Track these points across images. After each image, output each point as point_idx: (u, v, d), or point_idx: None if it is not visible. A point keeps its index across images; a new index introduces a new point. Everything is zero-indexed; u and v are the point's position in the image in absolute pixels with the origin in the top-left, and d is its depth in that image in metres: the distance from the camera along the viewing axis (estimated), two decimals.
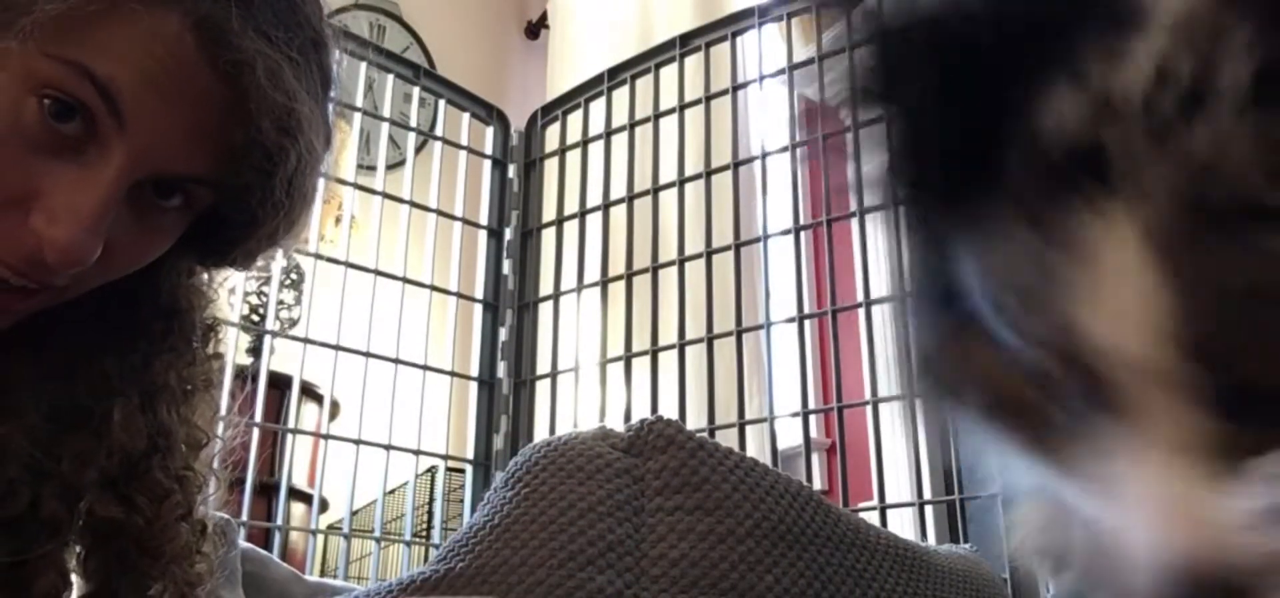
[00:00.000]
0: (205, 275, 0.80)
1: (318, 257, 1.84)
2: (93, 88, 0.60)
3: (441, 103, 2.06)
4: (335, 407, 2.03)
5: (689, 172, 1.83)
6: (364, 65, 1.87)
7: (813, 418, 1.70)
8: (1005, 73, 0.42)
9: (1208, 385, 0.41)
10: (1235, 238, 0.38)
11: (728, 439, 1.50)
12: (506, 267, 2.01)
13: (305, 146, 0.68)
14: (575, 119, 2.03)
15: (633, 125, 1.92)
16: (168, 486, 0.76)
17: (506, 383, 1.93)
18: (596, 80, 2.01)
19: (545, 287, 1.97)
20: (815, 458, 2.16)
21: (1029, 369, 0.46)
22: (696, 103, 1.86)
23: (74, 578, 0.76)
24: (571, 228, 1.96)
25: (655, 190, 1.86)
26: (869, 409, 1.58)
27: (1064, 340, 0.43)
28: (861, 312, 1.60)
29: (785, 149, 1.75)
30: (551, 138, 2.06)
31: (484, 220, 2.04)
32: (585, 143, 1.99)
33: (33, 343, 0.70)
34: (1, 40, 0.59)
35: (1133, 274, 0.40)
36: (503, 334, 1.97)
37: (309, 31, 0.69)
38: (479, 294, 1.99)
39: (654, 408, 1.76)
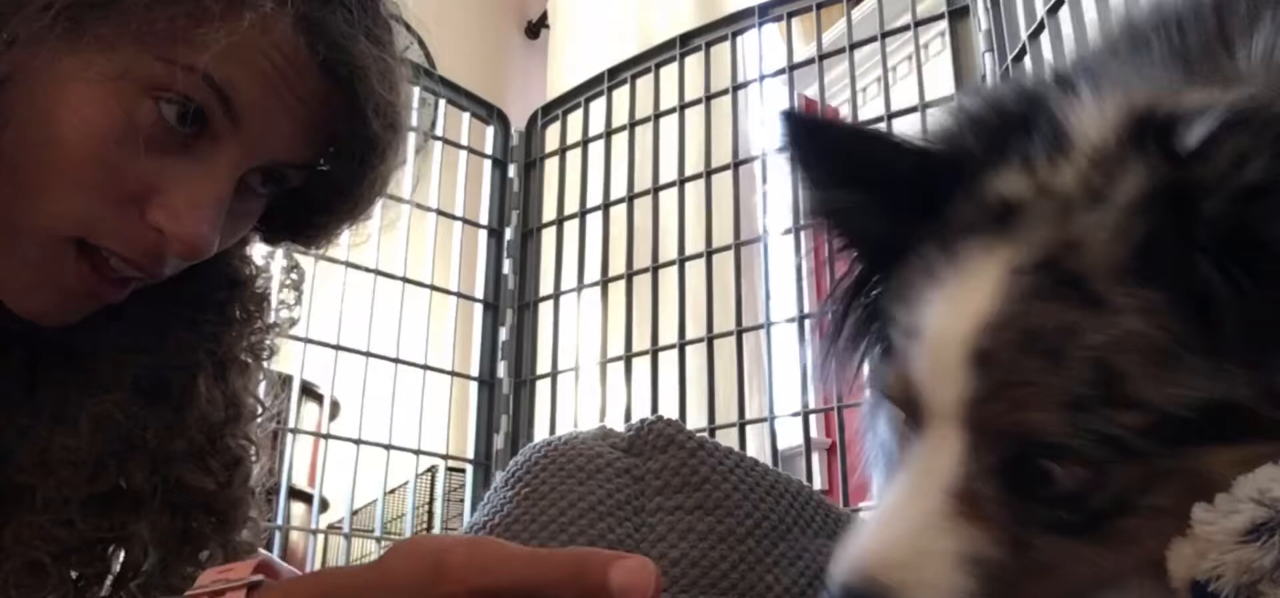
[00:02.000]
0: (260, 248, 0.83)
1: (318, 256, 1.84)
2: (209, 90, 0.62)
3: (441, 103, 2.06)
4: (335, 406, 2.03)
5: (689, 171, 1.83)
6: None
7: (813, 418, 1.70)
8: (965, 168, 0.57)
9: (985, 434, 0.51)
10: (1062, 299, 0.49)
11: (728, 439, 1.50)
12: (507, 266, 2.01)
13: (403, 139, 0.72)
14: (575, 119, 2.03)
15: (633, 125, 1.92)
16: (238, 453, 0.78)
17: (507, 383, 1.93)
18: (596, 80, 2.01)
19: (545, 286, 1.97)
20: (816, 458, 2.16)
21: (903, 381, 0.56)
22: (697, 102, 1.85)
23: None
24: (572, 227, 1.96)
25: (655, 190, 1.86)
26: None
27: (907, 348, 0.55)
28: None
29: (785, 148, 1.74)
30: (552, 137, 2.06)
31: (484, 220, 2.04)
32: (585, 142, 1.99)
33: (118, 318, 0.71)
34: (117, 44, 0.60)
35: (979, 293, 0.52)
36: (503, 334, 1.97)
37: (402, 36, 0.73)
38: (479, 294, 1.99)
39: (654, 408, 1.76)
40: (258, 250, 0.85)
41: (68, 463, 0.69)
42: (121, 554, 0.74)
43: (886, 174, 0.62)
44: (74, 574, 0.70)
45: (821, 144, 0.66)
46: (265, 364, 0.84)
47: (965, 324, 0.51)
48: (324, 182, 0.72)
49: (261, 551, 0.83)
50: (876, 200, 0.62)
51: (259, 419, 0.82)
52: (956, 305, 0.53)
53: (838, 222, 0.68)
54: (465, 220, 2.01)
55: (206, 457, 0.75)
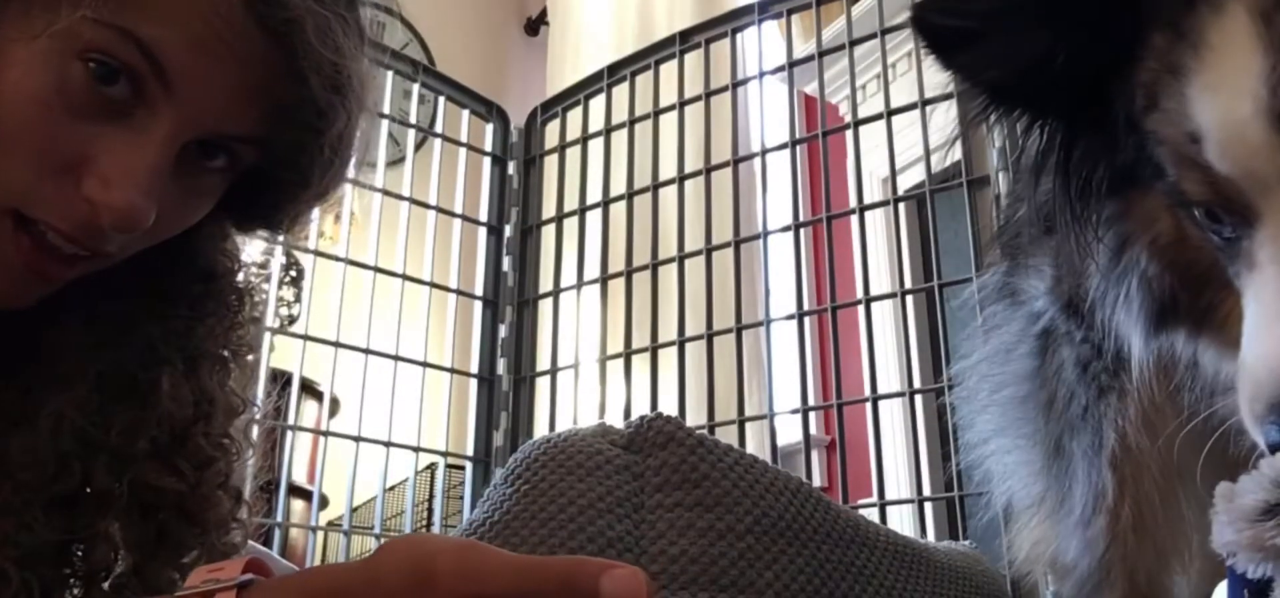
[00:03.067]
0: (238, 240, 0.80)
1: (318, 253, 1.84)
2: (138, 50, 0.60)
3: (441, 99, 2.06)
4: (335, 403, 2.03)
5: (689, 168, 1.83)
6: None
7: (812, 414, 1.70)
8: None
9: None
10: None
11: (727, 436, 1.50)
12: (506, 263, 2.01)
13: (354, 103, 0.68)
14: (575, 116, 2.03)
15: (632, 122, 1.92)
16: (210, 453, 0.76)
17: (506, 380, 1.93)
18: (596, 77, 2.01)
19: (545, 283, 1.97)
20: (815, 454, 2.16)
21: (1172, 196, 0.55)
22: (696, 99, 1.85)
23: None
24: (571, 224, 1.95)
25: (655, 187, 1.86)
26: (868, 406, 1.58)
27: (1186, 130, 0.53)
28: (861, 308, 1.60)
29: (785, 145, 1.75)
30: (551, 134, 2.06)
31: (484, 217, 2.04)
32: (585, 139, 1.99)
33: (78, 313, 0.70)
34: (48, 7, 0.58)
35: (1238, 49, 0.50)
36: (502, 331, 1.97)
37: None
38: (479, 291, 1.99)
39: (654, 404, 1.76)
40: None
41: (28, 465, 0.67)
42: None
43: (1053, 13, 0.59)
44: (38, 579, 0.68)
45: (968, 20, 0.63)
46: (249, 359, 0.82)
47: (1251, 105, 0.50)
48: (274, 155, 0.69)
49: (256, 546, 0.81)
50: (1056, 45, 0.59)
51: (243, 417, 0.80)
52: (1228, 92, 0.51)
53: (1010, 93, 0.64)
54: (465, 217, 2.01)
55: (173, 456, 0.73)
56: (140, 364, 0.72)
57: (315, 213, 1.97)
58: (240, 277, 0.80)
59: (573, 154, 2.00)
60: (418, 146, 2.10)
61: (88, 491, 0.70)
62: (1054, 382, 0.84)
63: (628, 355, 1.80)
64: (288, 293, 2.70)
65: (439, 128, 2.05)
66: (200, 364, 0.75)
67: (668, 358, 1.77)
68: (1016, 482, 0.96)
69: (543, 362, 1.92)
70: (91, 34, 0.59)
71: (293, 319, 2.61)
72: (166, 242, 0.69)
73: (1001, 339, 0.93)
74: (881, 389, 1.57)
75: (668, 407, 1.69)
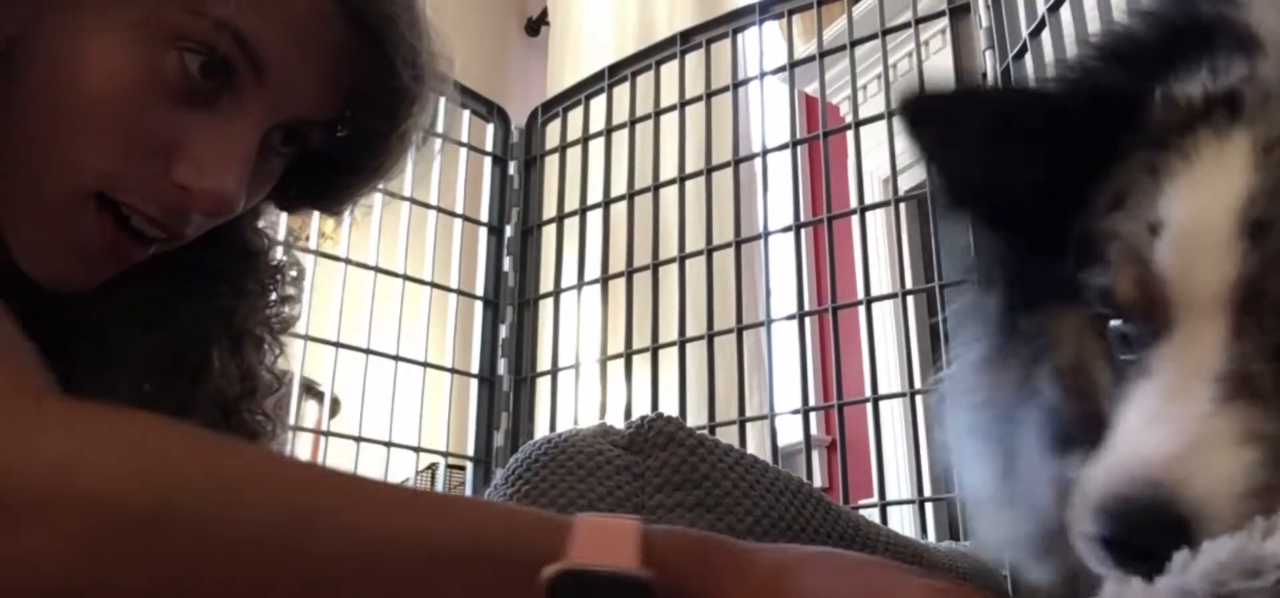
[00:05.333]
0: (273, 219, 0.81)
1: (318, 253, 1.84)
2: (233, 40, 0.60)
3: (442, 100, 2.05)
4: (336, 404, 2.03)
5: (690, 168, 1.83)
6: None
7: (813, 415, 1.70)
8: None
9: (1261, 316, 0.49)
10: None
11: (728, 436, 1.50)
12: (507, 264, 2.01)
13: (428, 88, 0.70)
14: (576, 116, 2.03)
15: (633, 122, 1.92)
16: (254, 428, 0.77)
17: (507, 380, 1.93)
18: (597, 77, 2.01)
19: (546, 283, 1.97)
20: (815, 455, 2.16)
21: (1100, 312, 0.55)
22: (697, 99, 1.85)
23: None
24: (572, 225, 1.95)
25: (656, 187, 1.86)
26: (869, 406, 1.58)
27: (1148, 220, 0.53)
28: (862, 309, 1.60)
29: (786, 146, 1.75)
30: (552, 135, 2.06)
31: (484, 217, 2.04)
32: (586, 139, 1.98)
33: (129, 292, 0.70)
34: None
35: (1232, 173, 0.50)
36: (503, 331, 1.97)
37: None
38: (479, 291, 1.99)
39: (654, 405, 1.76)
40: None
41: None
42: None
43: (1034, 127, 0.60)
44: None
45: (950, 119, 0.64)
46: (283, 338, 0.82)
47: (1227, 203, 0.50)
48: (349, 138, 0.69)
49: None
50: (1027, 157, 0.60)
51: (274, 396, 0.81)
52: (1209, 189, 0.51)
53: (982, 198, 0.65)
54: (465, 218, 2.01)
55: (223, 432, 0.74)
56: (190, 341, 0.73)
57: (314, 216, 1.97)
58: (273, 255, 0.81)
59: (573, 154, 2.00)
60: (418, 146, 2.10)
61: None
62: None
63: (628, 356, 1.80)
64: (289, 292, 2.70)
65: (439, 128, 2.04)
66: (244, 341, 0.77)
67: (668, 358, 1.77)
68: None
69: (543, 362, 1.92)
70: (187, 24, 0.60)
71: (293, 319, 2.61)
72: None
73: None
74: (882, 390, 1.57)
75: (668, 407, 1.69)
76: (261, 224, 0.80)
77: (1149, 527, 0.47)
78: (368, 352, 1.79)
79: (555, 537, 0.49)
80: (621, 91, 1.96)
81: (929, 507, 1.57)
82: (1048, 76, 0.62)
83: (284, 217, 0.93)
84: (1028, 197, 0.60)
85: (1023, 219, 0.62)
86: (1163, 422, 0.50)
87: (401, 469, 1.95)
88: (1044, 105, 0.62)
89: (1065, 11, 1.45)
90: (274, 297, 0.81)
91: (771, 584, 0.49)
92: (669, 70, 1.91)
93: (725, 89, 1.83)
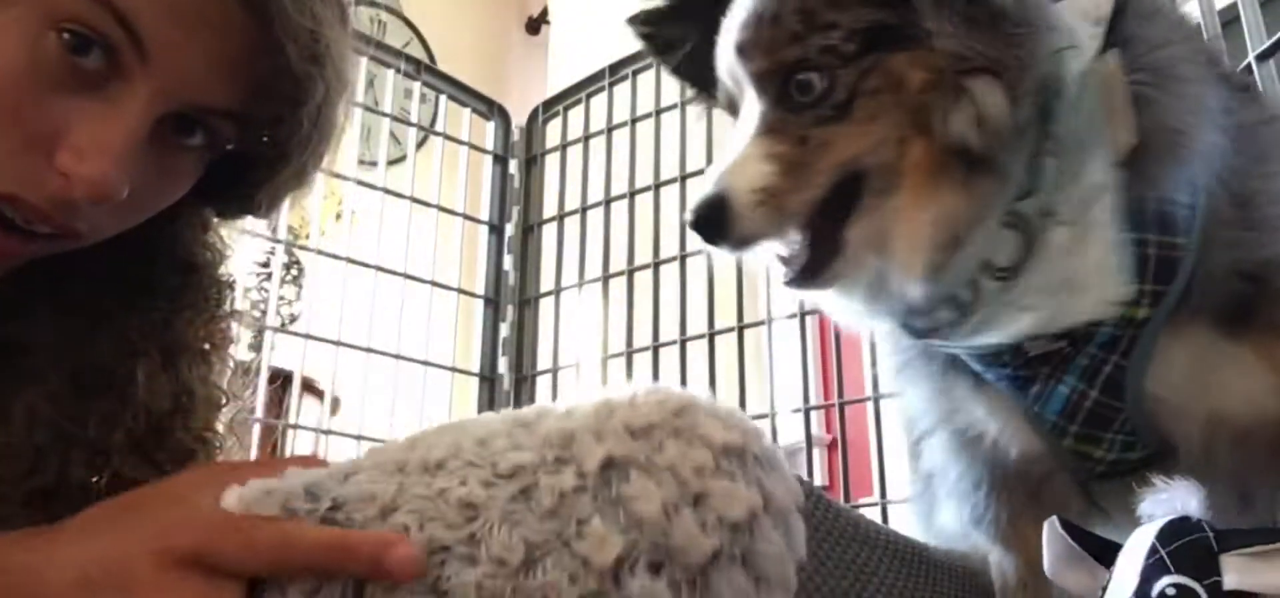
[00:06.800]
0: (220, 232, 0.78)
1: (319, 252, 1.84)
2: (113, 19, 0.59)
3: (442, 98, 2.06)
4: (336, 402, 2.03)
5: (691, 167, 1.83)
6: (365, 61, 1.86)
7: (814, 413, 1.70)
8: None
9: (774, 83, 0.80)
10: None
11: None
12: (508, 262, 2.01)
13: (333, 74, 0.67)
14: (577, 114, 2.03)
15: (634, 121, 1.92)
16: (190, 446, 0.74)
17: (507, 379, 1.93)
18: (598, 75, 2.00)
19: (546, 282, 1.97)
20: (816, 453, 2.16)
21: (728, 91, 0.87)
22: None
23: None
24: (572, 223, 1.95)
25: (657, 186, 1.86)
26: (870, 405, 1.57)
27: (727, 58, 0.85)
28: None
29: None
30: (553, 133, 2.06)
31: (485, 216, 2.04)
32: (587, 138, 1.98)
33: (52, 304, 0.69)
34: None
35: (743, 11, 0.83)
36: (504, 330, 1.97)
37: None
38: (480, 290, 1.99)
39: None
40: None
41: (2, 458, 0.66)
42: None
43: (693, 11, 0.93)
44: None
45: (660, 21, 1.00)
46: (230, 352, 0.80)
47: (738, 23, 0.83)
48: (253, 130, 0.67)
49: None
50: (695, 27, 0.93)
51: (225, 409, 0.78)
52: (738, 13, 0.84)
53: (680, 58, 0.98)
54: (466, 216, 2.01)
55: (152, 450, 0.72)
56: (115, 356, 0.71)
57: (315, 216, 1.97)
58: (223, 270, 0.78)
59: (574, 153, 2.00)
60: (419, 145, 2.10)
61: (67, 484, 0.68)
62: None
63: (629, 354, 1.80)
64: (289, 292, 2.70)
65: (440, 127, 2.05)
66: (179, 357, 0.74)
67: (669, 357, 1.77)
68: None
69: (544, 361, 1.92)
70: (66, 4, 0.58)
71: (294, 318, 2.61)
72: (143, 231, 0.68)
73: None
74: (883, 388, 1.57)
75: None
76: (209, 237, 0.78)
77: (709, 214, 0.78)
78: (368, 350, 1.79)
79: None
80: (622, 90, 1.96)
81: None
82: None
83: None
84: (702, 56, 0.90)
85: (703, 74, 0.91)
86: (728, 155, 0.81)
87: None
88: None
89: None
90: (221, 310, 0.78)
91: None
92: None
93: None
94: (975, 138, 0.73)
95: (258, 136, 0.67)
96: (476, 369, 1.94)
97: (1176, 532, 0.66)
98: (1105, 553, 0.72)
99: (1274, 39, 1.12)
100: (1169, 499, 0.69)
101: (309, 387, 2.08)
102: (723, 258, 0.85)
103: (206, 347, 0.77)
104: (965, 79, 0.74)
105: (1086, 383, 0.82)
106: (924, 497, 1.09)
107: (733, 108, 0.85)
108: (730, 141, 0.82)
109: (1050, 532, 0.73)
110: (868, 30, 0.77)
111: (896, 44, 0.76)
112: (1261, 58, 1.13)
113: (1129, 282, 0.78)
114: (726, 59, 0.84)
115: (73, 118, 0.59)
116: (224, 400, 0.78)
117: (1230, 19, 1.19)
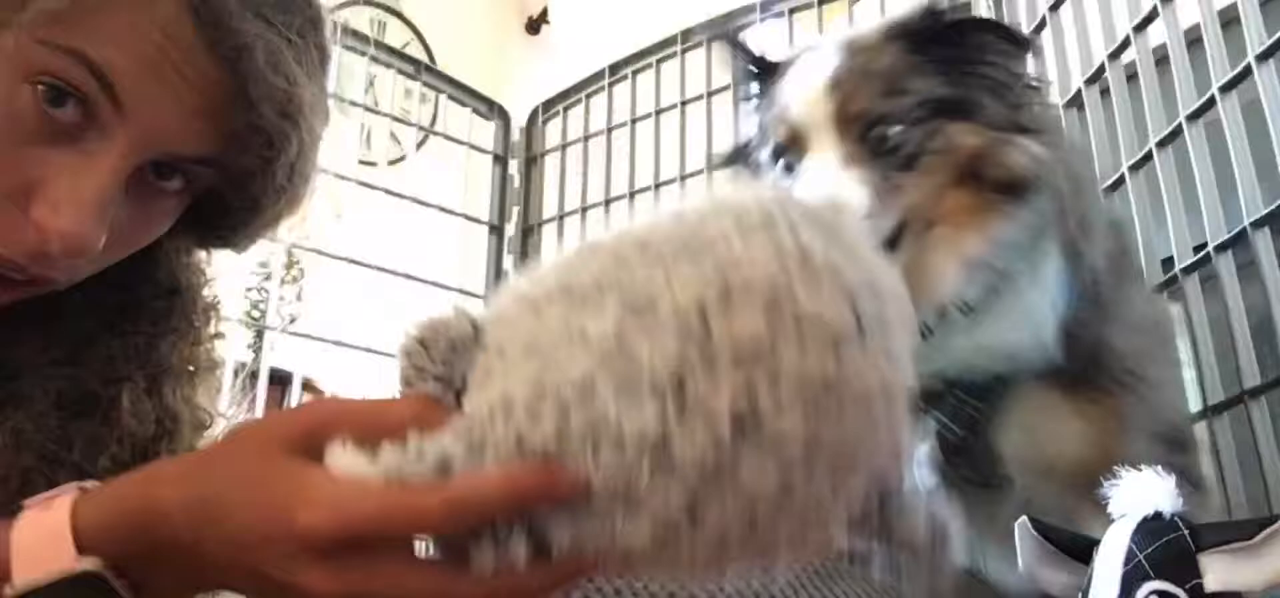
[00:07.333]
0: (203, 254, 0.78)
1: (319, 253, 1.84)
2: (88, 73, 0.58)
3: (442, 98, 2.06)
4: None
5: (690, 168, 1.83)
6: (365, 61, 1.86)
7: None
8: None
9: (847, 123, 0.94)
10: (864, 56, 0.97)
11: None
12: (508, 263, 2.00)
13: (307, 131, 0.66)
14: (576, 115, 2.03)
15: (634, 121, 1.92)
16: None
17: None
18: (598, 76, 2.00)
19: None
20: None
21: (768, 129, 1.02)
22: (698, 98, 1.85)
23: None
24: (573, 224, 1.95)
25: (657, 186, 1.86)
26: None
27: (791, 96, 0.98)
28: None
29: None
30: (553, 133, 2.06)
31: (485, 216, 2.04)
32: (586, 138, 1.98)
33: (38, 329, 0.69)
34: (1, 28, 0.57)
35: (826, 64, 0.97)
36: None
37: (306, 10, 0.67)
38: (480, 291, 1.99)
39: None
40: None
41: None
42: None
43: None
44: None
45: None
46: (216, 374, 0.80)
47: (831, 68, 0.96)
48: (236, 182, 0.67)
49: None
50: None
51: (212, 431, 0.78)
52: (814, 72, 0.97)
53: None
54: (466, 217, 2.01)
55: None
56: (100, 381, 0.70)
57: (316, 215, 1.96)
58: (207, 292, 0.78)
59: (574, 153, 2.00)
60: (419, 145, 2.10)
61: None
62: None
63: None
64: (288, 292, 2.70)
65: (440, 127, 2.05)
66: (164, 381, 0.74)
67: None
68: None
69: None
70: (41, 57, 0.58)
71: (293, 318, 2.61)
72: (126, 258, 0.68)
73: None
74: None
75: None
76: (192, 260, 0.77)
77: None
78: (368, 351, 1.79)
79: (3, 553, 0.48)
80: (622, 90, 1.96)
81: None
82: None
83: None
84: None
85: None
86: (817, 176, 0.93)
87: None
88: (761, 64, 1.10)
89: (1066, 11, 1.45)
90: (206, 333, 0.78)
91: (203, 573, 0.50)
92: (670, 69, 1.91)
93: (726, 88, 1.83)
94: (1027, 166, 0.93)
95: (232, 185, 0.67)
96: None
97: (1153, 532, 0.66)
98: (1079, 549, 0.72)
99: (1274, 39, 1.12)
100: (1136, 493, 0.69)
101: (309, 387, 2.08)
102: None
103: (191, 369, 0.77)
104: (1013, 135, 0.94)
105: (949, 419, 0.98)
106: None
107: (793, 136, 0.97)
108: (809, 165, 0.95)
109: (1022, 531, 0.74)
110: (936, 100, 0.93)
111: (956, 114, 0.93)
112: (1261, 58, 1.13)
113: (1050, 335, 0.94)
114: (805, 94, 0.96)
115: (49, 171, 0.59)
116: (209, 422, 0.78)
117: (1230, 19, 1.19)
